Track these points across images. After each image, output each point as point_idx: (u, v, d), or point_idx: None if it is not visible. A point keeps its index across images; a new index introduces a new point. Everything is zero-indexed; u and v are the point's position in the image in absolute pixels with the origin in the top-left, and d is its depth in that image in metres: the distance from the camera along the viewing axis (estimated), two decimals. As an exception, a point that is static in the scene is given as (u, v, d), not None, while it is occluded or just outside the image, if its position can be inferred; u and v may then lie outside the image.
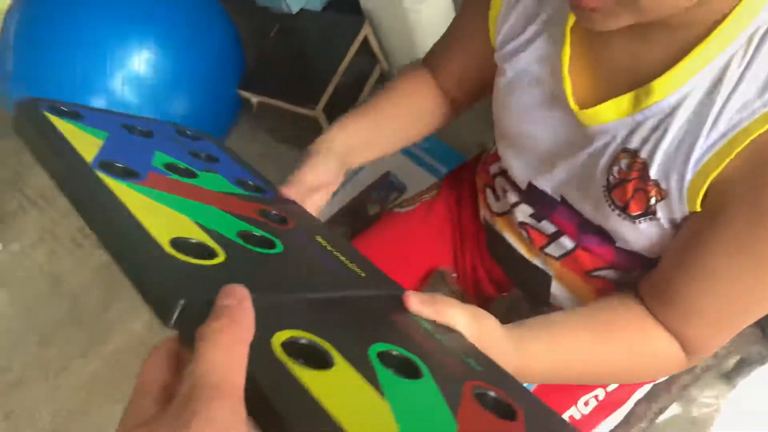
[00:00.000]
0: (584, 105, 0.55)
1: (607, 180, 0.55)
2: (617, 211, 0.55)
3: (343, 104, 1.63)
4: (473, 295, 0.84)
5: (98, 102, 1.26)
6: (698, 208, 0.49)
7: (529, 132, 0.62)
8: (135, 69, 1.27)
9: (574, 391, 0.72)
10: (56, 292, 1.60)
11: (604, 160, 0.54)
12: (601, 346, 0.54)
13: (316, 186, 0.60)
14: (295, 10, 1.60)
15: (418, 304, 0.41)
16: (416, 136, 0.76)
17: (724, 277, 0.50)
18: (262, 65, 1.55)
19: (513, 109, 0.63)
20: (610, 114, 0.52)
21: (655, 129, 0.50)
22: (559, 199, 0.63)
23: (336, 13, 1.59)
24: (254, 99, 1.53)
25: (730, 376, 1.11)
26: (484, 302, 0.83)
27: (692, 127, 0.48)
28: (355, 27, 1.51)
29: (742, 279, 0.49)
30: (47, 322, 1.56)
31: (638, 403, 0.75)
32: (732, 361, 1.09)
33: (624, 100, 0.51)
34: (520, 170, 0.66)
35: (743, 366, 1.05)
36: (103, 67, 1.24)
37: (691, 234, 0.51)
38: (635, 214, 0.54)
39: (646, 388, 0.75)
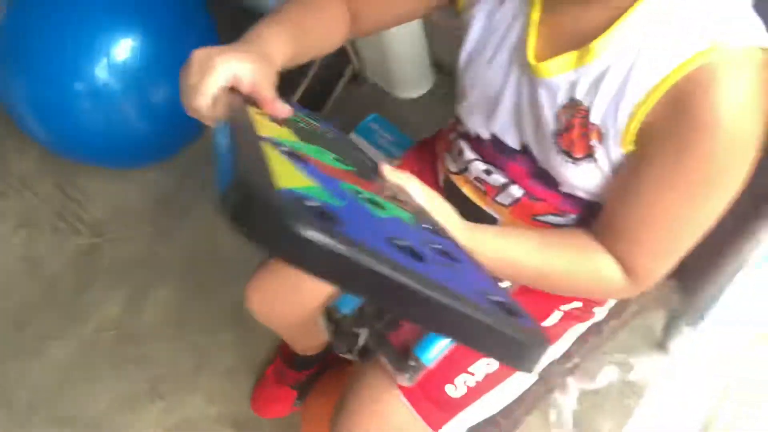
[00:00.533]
0: (540, 60, 0.65)
1: (556, 128, 0.65)
2: (563, 155, 0.65)
3: (316, 102, 1.73)
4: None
5: (84, 87, 1.34)
6: (632, 147, 0.60)
7: (492, 86, 0.71)
8: (119, 58, 1.34)
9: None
10: (32, 275, 1.64)
11: (553, 110, 0.65)
12: (545, 250, 0.65)
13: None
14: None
15: (389, 170, 0.54)
16: (318, 54, 0.77)
17: (658, 208, 0.60)
18: (239, 62, 1.64)
19: (480, 64, 0.72)
20: (559, 68, 0.63)
21: (594, 82, 0.60)
22: (519, 149, 0.72)
23: (310, 16, 1.69)
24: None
25: (662, 342, 1.23)
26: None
27: (624, 79, 0.58)
28: (329, 28, 1.61)
29: (673, 209, 0.60)
30: (23, 305, 1.60)
31: (575, 342, 0.86)
32: (660, 324, 1.21)
33: (570, 57, 0.62)
34: (482, 124, 0.75)
35: (672, 326, 1.18)
36: (89, 55, 1.31)
37: (629, 173, 0.62)
38: (579, 156, 0.64)
39: (582, 328, 0.86)
